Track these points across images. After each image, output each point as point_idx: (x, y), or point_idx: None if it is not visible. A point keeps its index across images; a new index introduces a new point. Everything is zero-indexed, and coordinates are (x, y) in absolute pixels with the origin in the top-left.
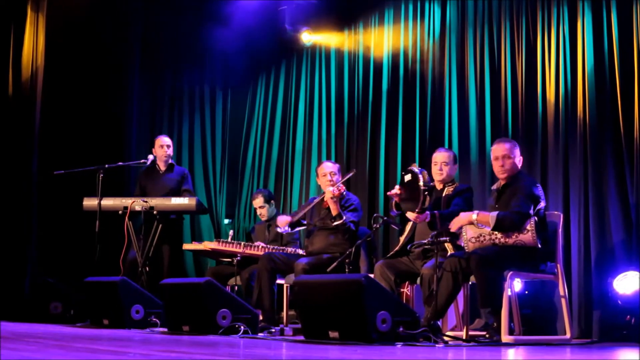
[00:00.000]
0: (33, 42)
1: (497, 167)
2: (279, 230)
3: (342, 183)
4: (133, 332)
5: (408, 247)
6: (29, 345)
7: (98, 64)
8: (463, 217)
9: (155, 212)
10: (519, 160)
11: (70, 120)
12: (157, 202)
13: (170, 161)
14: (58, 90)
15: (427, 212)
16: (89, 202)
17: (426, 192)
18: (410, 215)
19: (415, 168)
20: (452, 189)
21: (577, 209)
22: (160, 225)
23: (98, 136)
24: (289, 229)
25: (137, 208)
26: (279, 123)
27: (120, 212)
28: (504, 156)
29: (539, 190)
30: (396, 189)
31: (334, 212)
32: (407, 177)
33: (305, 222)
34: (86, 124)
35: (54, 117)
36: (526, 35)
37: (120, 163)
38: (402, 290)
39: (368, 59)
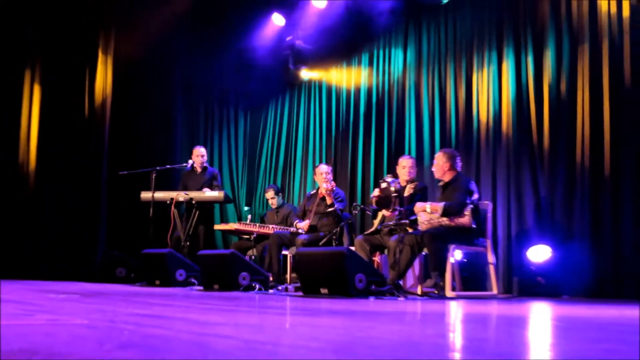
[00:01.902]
0: (103, 77)
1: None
2: (300, 232)
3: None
4: (177, 289)
5: (379, 227)
6: (101, 300)
7: (152, 92)
8: (419, 206)
9: (193, 202)
10: (459, 165)
11: (131, 134)
12: (195, 194)
13: (204, 164)
14: (122, 112)
15: (397, 209)
16: (145, 195)
17: (396, 197)
18: (385, 212)
19: (389, 178)
20: (413, 186)
21: (502, 199)
22: (198, 212)
23: (151, 146)
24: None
25: (181, 199)
26: (284, 136)
27: (168, 202)
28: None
29: (474, 186)
30: (376, 192)
31: (329, 202)
32: (383, 185)
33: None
34: (143, 137)
35: (119, 133)
36: (465, 72)
37: (167, 166)
38: (374, 258)
39: (349, 90)
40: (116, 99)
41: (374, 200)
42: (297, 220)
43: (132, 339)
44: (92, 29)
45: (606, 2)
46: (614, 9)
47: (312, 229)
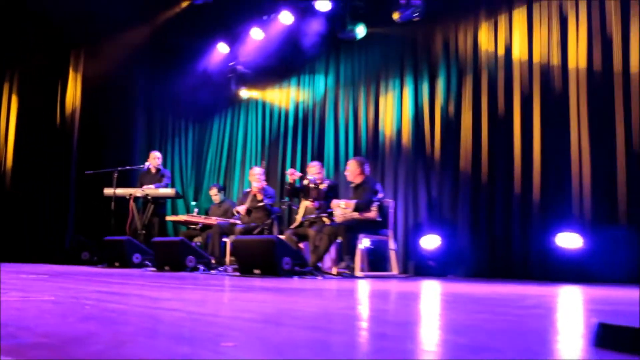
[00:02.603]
0: (74, 90)
1: (318, 174)
2: (239, 214)
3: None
4: (134, 270)
5: (302, 220)
6: (68, 279)
7: (115, 104)
8: (335, 203)
9: (149, 197)
10: (368, 170)
11: (97, 140)
12: (150, 191)
13: (159, 166)
14: (89, 121)
15: (316, 201)
16: (108, 191)
17: (315, 190)
18: (306, 203)
19: (310, 176)
20: (325, 185)
21: (402, 198)
22: (152, 205)
23: (114, 150)
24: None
25: (138, 195)
26: (226, 143)
27: (127, 197)
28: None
29: (379, 187)
30: (297, 174)
31: (259, 198)
32: (305, 182)
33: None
34: (107, 142)
35: (86, 138)
36: (374, 94)
37: (127, 167)
38: (299, 245)
39: (281, 107)
40: (84, 110)
41: (288, 190)
42: (236, 207)
43: (92, 312)
44: (64, 49)
45: (485, 42)
46: (491, 49)
47: (246, 220)
